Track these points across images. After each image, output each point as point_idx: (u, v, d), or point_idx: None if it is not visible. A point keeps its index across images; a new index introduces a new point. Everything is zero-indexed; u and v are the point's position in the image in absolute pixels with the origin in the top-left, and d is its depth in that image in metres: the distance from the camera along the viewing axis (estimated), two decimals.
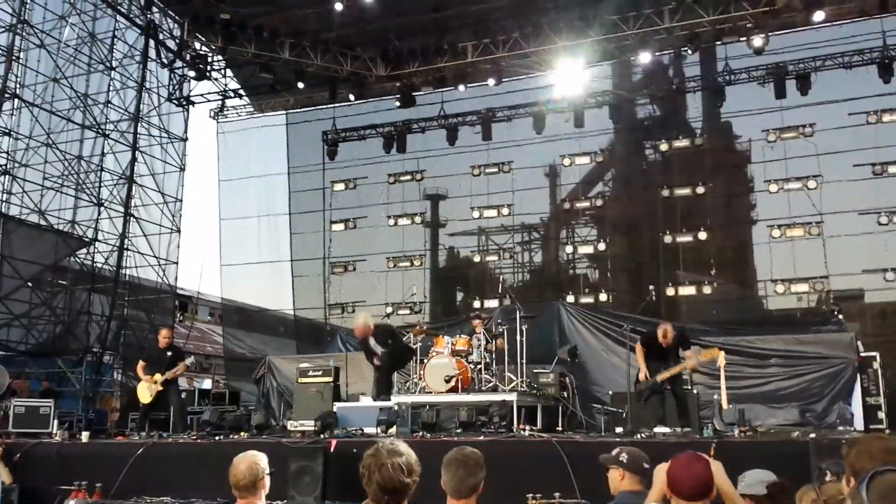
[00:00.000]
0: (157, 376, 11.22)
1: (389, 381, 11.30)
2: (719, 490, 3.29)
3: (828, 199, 16.40)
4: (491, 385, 10.89)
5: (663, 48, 17.32)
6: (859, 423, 11.17)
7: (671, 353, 9.69)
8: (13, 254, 15.74)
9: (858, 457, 2.70)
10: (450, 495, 3.44)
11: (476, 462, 3.48)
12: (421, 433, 9.38)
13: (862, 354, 12.07)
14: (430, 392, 10.76)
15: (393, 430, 9.48)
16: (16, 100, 16.35)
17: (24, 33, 16.51)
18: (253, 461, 4.04)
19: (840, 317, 14.22)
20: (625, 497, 4.11)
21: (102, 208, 17.89)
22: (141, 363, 11.80)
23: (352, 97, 18.93)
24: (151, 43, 18.93)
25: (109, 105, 18.19)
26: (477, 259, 19.89)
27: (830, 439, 7.42)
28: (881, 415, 11.14)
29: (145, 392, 11.34)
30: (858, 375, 11.75)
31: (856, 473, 2.66)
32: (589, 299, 17.74)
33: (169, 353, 11.59)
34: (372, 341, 11.21)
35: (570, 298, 17.45)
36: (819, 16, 15.20)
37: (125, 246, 18.25)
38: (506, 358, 11.18)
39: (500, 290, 15.77)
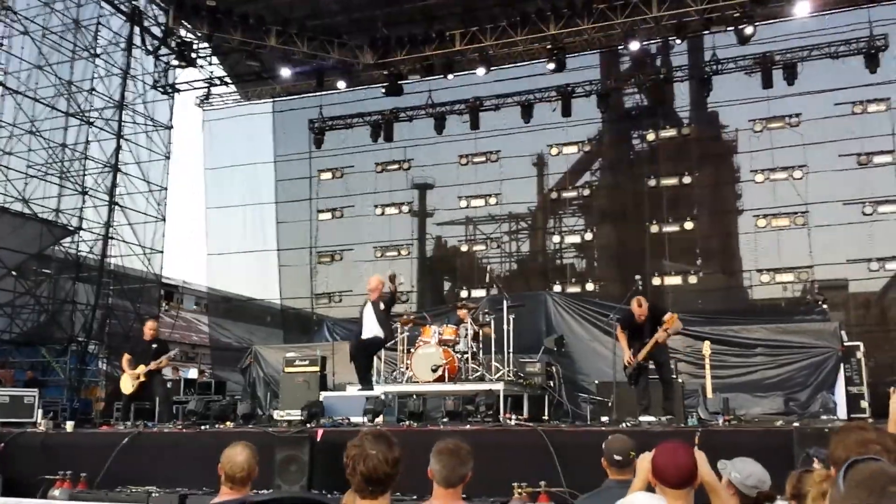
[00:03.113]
0: (141, 367, 11.18)
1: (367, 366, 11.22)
2: (702, 480, 3.31)
3: (813, 189, 16.47)
4: (478, 374, 10.93)
5: (651, 37, 17.32)
6: (842, 412, 11.28)
7: (647, 329, 9.72)
8: None
9: (836, 447, 2.74)
10: (438, 484, 3.45)
11: (467, 452, 3.51)
12: (407, 422, 9.38)
13: (845, 344, 12.17)
14: (417, 381, 10.79)
15: (380, 419, 9.49)
16: None
17: (7, 20, 16.34)
18: (250, 453, 4.02)
19: (824, 306, 14.29)
20: (611, 485, 4.16)
21: (87, 197, 17.75)
22: (126, 356, 11.71)
23: (339, 85, 18.83)
24: (136, 30, 18.70)
25: (94, 92, 18.03)
26: (464, 248, 19.84)
27: (814, 428, 7.48)
28: (864, 404, 11.27)
29: (128, 383, 11.30)
30: (842, 365, 11.86)
31: (834, 463, 2.69)
32: (576, 289, 17.76)
33: (154, 346, 11.55)
34: (372, 306, 10.85)
35: (557, 288, 17.48)
36: (805, 7, 15.29)
37: (110, 234, 18.11)
38: (493, 347, 11.19)
39: (487, 280, 15.80)
